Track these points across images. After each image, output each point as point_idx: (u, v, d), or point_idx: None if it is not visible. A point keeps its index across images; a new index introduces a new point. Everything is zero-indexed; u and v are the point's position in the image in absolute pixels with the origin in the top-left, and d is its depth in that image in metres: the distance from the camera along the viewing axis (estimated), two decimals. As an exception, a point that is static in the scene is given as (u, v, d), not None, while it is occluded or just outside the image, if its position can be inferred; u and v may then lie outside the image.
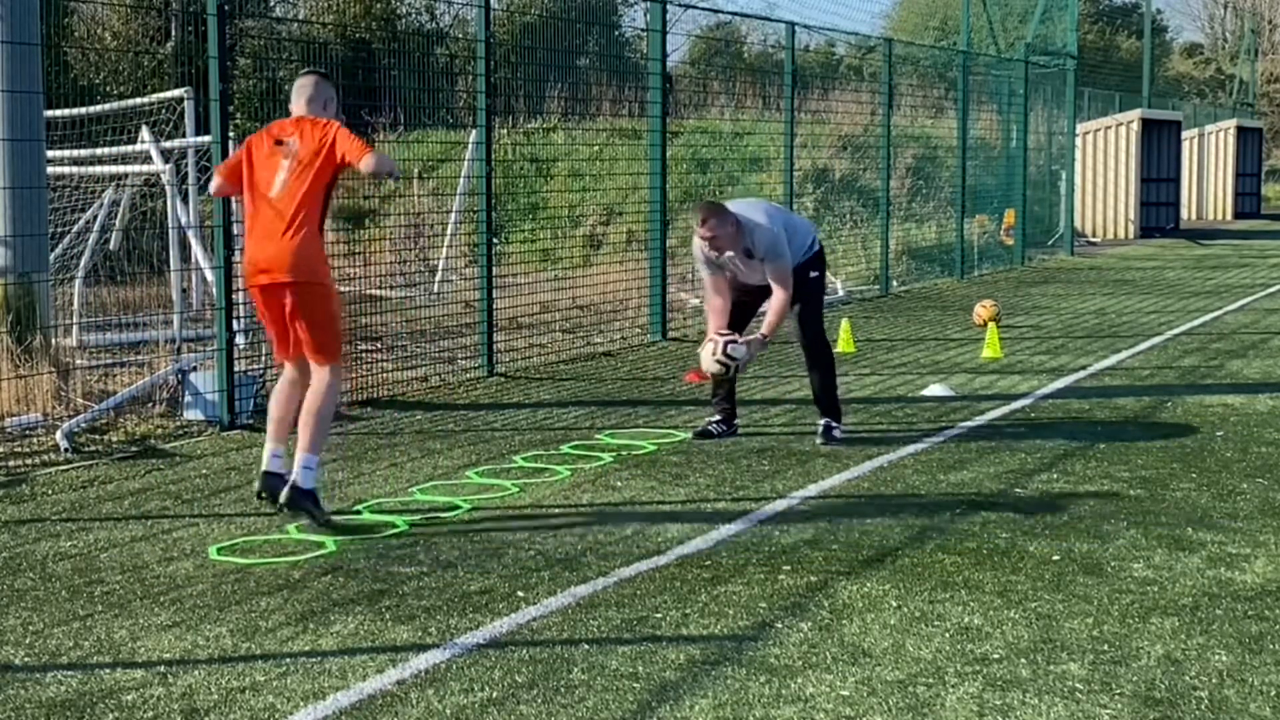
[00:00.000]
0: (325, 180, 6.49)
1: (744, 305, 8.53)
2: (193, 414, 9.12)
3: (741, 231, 8.11)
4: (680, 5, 16.47)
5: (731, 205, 8.33)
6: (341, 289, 13.76)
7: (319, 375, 6.59)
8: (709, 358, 8.17)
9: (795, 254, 8.27)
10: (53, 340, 9.70)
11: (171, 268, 13.22)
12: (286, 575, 5.86)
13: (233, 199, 8.61)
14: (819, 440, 8.52)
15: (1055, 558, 6.07)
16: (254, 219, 6.56)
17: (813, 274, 8.44)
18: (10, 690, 4.61)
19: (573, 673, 4.74)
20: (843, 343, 12.47)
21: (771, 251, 8.14)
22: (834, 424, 8.59)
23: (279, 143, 6.57)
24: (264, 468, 6.72)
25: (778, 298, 8.17)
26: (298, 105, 6.75)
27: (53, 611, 5.40)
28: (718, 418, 8.79)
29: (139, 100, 15.08)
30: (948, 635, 5.10)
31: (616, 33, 31.61)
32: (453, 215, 15.70)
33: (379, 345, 11.82)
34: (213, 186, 7.02)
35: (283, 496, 6.49)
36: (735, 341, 8.16)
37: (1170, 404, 9.88)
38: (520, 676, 4.71)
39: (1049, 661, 4.84)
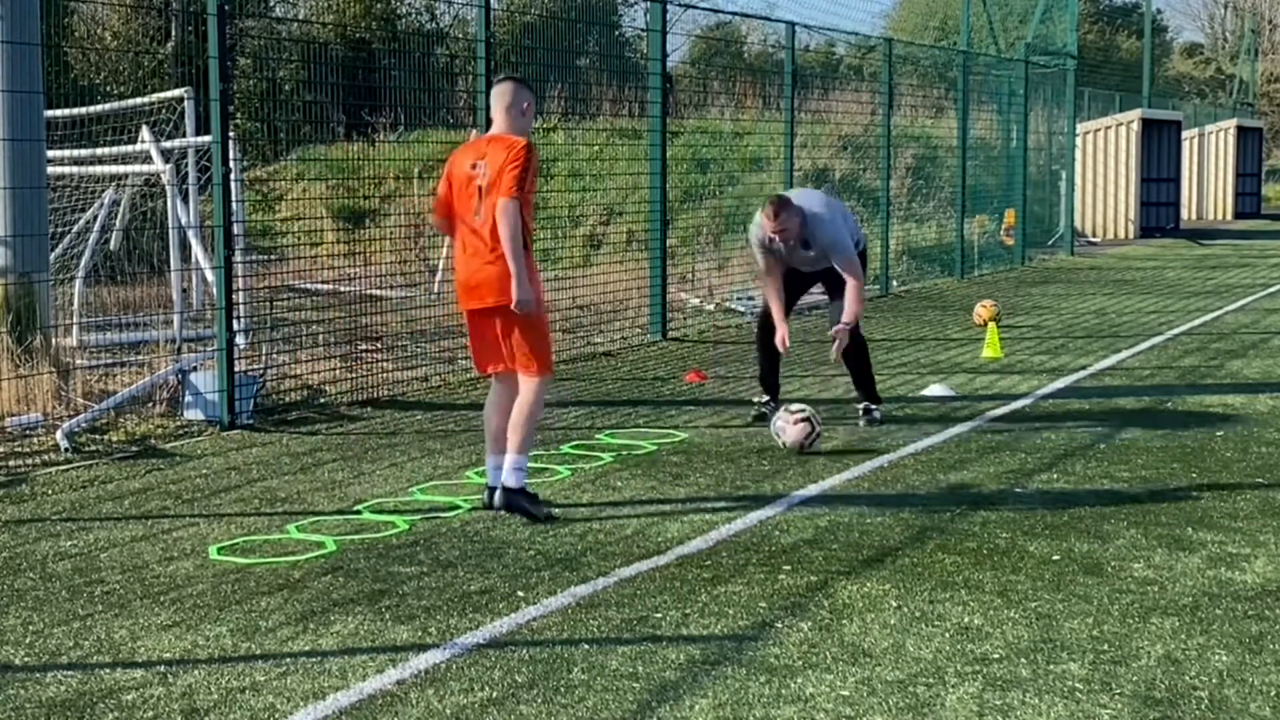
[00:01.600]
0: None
1: (793, 288, 9.08)
2: (193, 414, 9.12)
3: (804, 224, 8.64)
4: (680, 5, 16.47)
5: (793, 195, 8.87)
6: (341, 289, 13.80)
7: (528, 385, 6.72)
8: (796, 441, 8.19)
9: (845, 227, 8.82)
10: (53, 340, 9.70)
11: (171, 268, 13.21)
12: (286, 575, 5.86)
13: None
14: (862, 423, 9.06)
15: (1055, 558, 6.07)
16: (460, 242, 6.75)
17: None
18: (10, 690, 4.61)
19: (573, 673, 4.74)
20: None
21: (835, 245, 8.70)
22: (873, 407, 9.17)
23: (473, 166, 6.63)
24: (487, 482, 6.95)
25: (851, 285, 8.72)
26: (494, 115, 6.77)
27: (53, 611, 5.40)
28: (767, 398, 9.28)
29: (139, 100, 15.08)
30: (948, 635, 5.10)
31: (616, 33, 31.61)
32: (453, 215, 15.65)
33: (379, 345, 11.82)
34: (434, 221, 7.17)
35: (496, 499, 6.71)
36: (819, 432, 8.27)
37: (1170, 404, 9.88)
38: (520, 676, 4.71)
39: (1049, 661, 4.84)
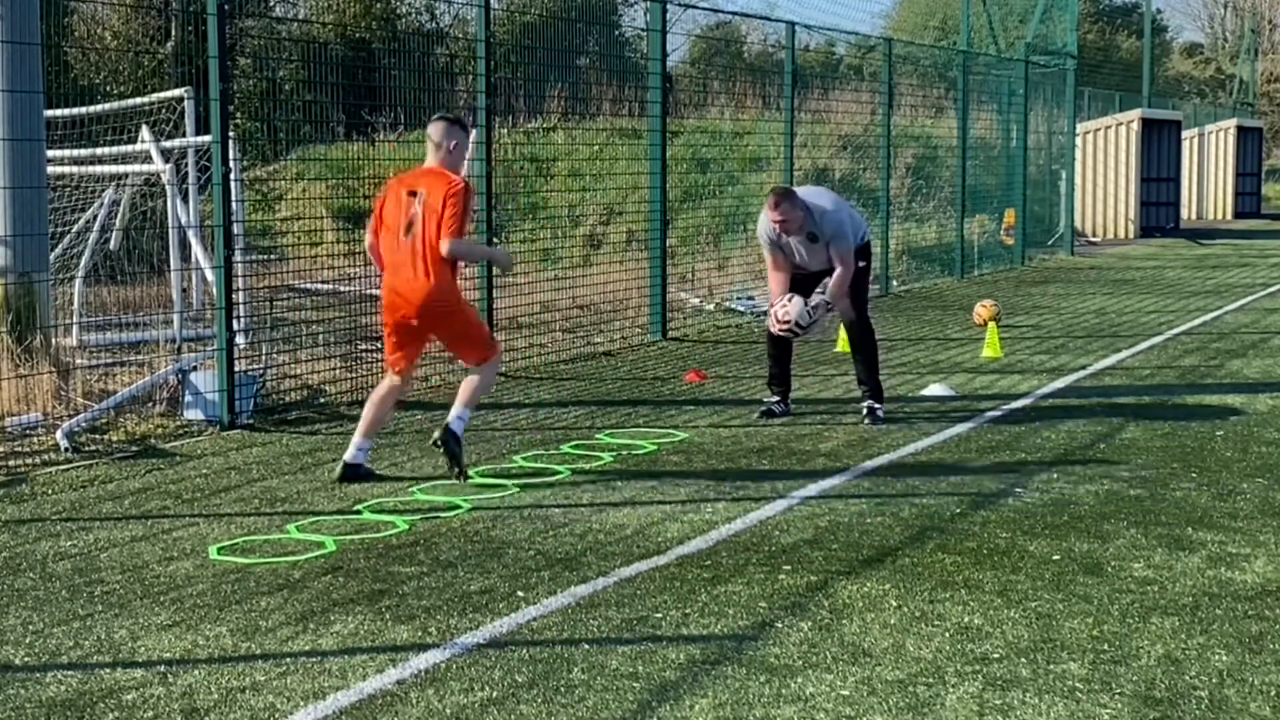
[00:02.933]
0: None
1: (799, 284, 9.13)
2: (193, 414, 9.12)
3: (809, 217, 8.81)
4: (680, 5, 16.47)
5: (800, 191, 9.08)
6: (341, 289, 13.80)
7: (481, 370, 7.59)
8: (778, 318, 8.91)
9: (850, 226, 9.00)
10: (53, 340, 9.70)
11: (171, 268, 13.21)
12: (286, 575, 5.86)
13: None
14: (865, 421, 9.15)
15: (1055, 558, 6.07)
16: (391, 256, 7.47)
17: (860, 264, 9.10)
18: (10, 690, 4.61)
19: (573, 673, 4.74)
20: (843, 343, 12.48)
21: (836, 234, 8.87)
22: (876, 406, 9.26)
23: (410, 194, 7.40)
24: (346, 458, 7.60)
25: (839, 271, 8.91)
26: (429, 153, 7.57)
27: (53, 611, 5.40)
28: (776, 398, 9.45)
29: (139, 100, 15.07)
30: (948, 635, 5.10)
31: (616, 33, 31.60)
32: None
33: (379, 345, 11.80)
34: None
35: (436, 436, 7.48)
36: (806, 314, 8.88)
37: (1170, 404, 9.88)
38: (520, 676, 4.71)
39: (1049, 661, 4.84)
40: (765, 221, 8.95)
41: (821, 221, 8.83)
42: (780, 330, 8.99)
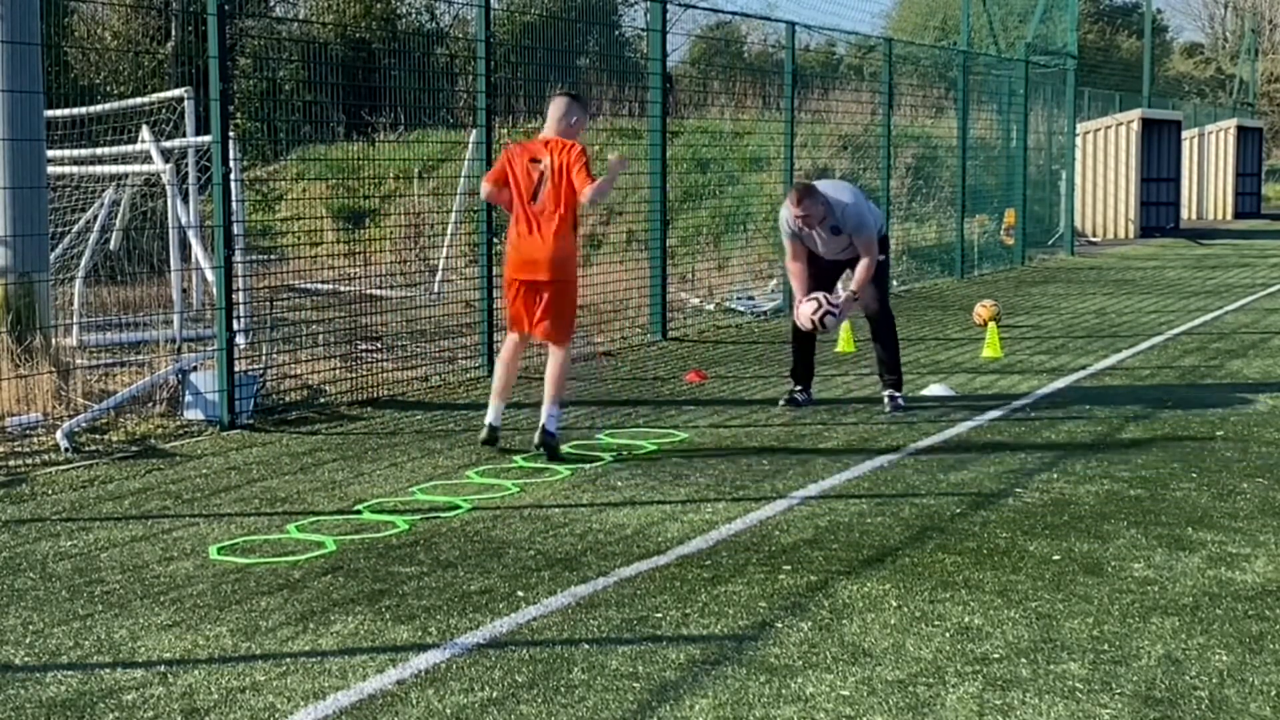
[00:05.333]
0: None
1: (819, 276, 9.48)
2: (193, 414, 9.12)
3: (830, 211, 9.13)
4: (680, 5, 16.47)
5: (820, 185, 9.40)
6: (341, 289, 13.80)
7: (555, 354, 8.11)
8: (807, 317, 9.28)
9: (871, 217, 9.32)
10: (53, 340, 9.70)
11: (171, 268, 13.21)
12: (286, 575, 5.87)
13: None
14: (887, 408, 9.51)
15: (1055, 558, 6.07)
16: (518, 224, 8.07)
17: (880, 256, 9.47)
18: (10, 690, 4.61)
19: (573, 673, 4.74)
20: (843, 342, 12.49)
21: (858, 225, 9.22)
22: (896, 393, 9.61)
23: (533, 160, 8.00)
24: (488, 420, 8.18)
25: (864, 261, 9.26)
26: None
27: (53, 611, 5.40)
28: (799, 386, 9.82)
29: (139, 100, 15.08)
30: (948, 635, 5.10)
31: (616, 33, 31.60)
32: (453, 215, 15.69)
33: (379, 345, 11.82)
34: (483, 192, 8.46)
35: (535, 439, 8.01)
36: (834, 309, 9.26)
37: (1170, 404, 9.88)
38: (520, 676, 4.71)
39: (1049, 661, 4.84)
40: (786, 214, 9.32)
41: (844, 215, 9.17)
42: (807, 328, 9.37)
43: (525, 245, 8.00)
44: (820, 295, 9.27)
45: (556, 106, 8.17)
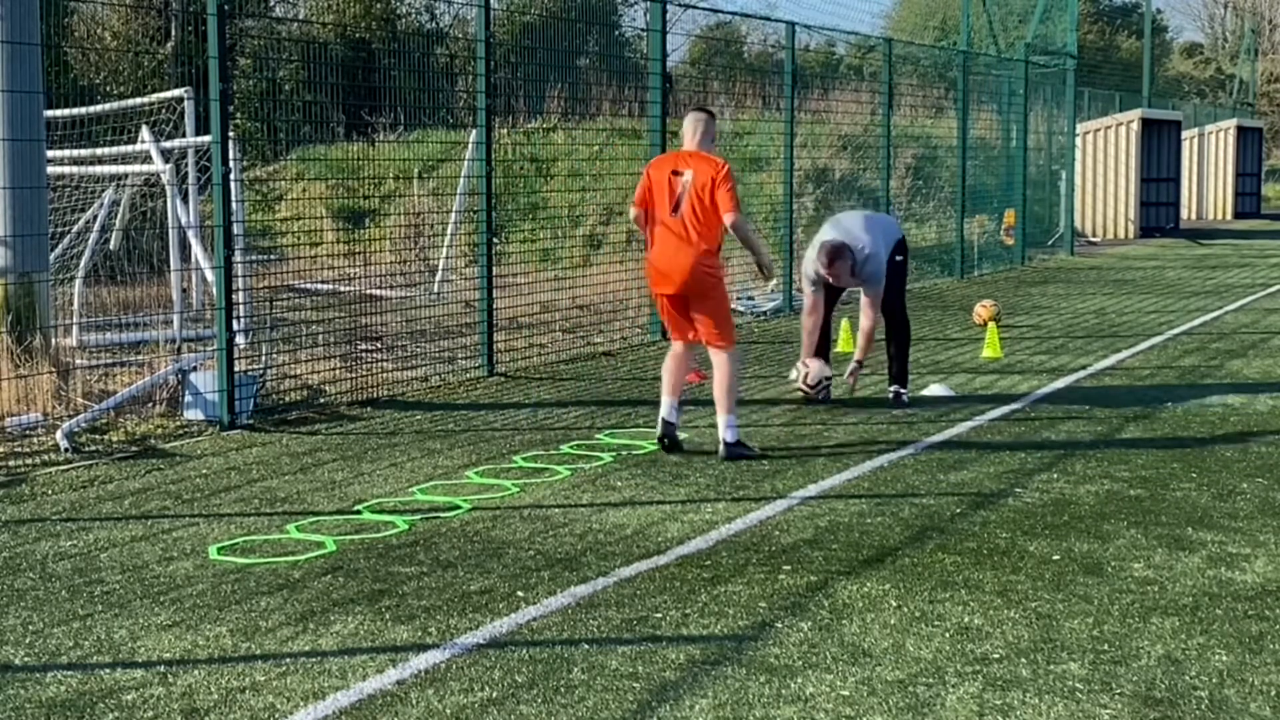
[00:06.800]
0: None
1: (831, 289, 9.96)
2: (193, 414, 9.12)
3: (854, 260, 9.56)
4: (680, 5, 16.47)
5: (840, 219, 9.95)
6: (341, 289, 13.80)
7: (719, 358, 8.19)
8: (802, 383, 9.88)
9: (885, 248, 9.68)
10: (53, 340, 9.70)
11: (171, 268, 13.22)
12: (286, 575, 5.87)
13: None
14: (892, 407, 9.75)
15: (1055, 558, 6.07)
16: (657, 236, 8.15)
17: (898, 258, 9.82)
18: (10, 690, 4.61)
19: (573, 673, 4.74)
20: (843, 342, 12.48)
21: (874, 277, 9.63)
22: (902, 390, 9.92)
23: (675, 173, 8.05)
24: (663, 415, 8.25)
25: (866, 321, 9.76)
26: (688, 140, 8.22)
27: (53, 611, 5.40)
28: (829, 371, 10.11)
29: (139, 100, 15.08)
30: (948, 635, 5.10)
31: (616, 33, 31.60)
32: (453, 215, 15.70)
33: (379, 345, 11.82)
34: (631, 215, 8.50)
35: (720, 451, 8.05)
36: (825, 390, 9.87)
37: (1170, 404, 9.88)
38: (520, 676, 4.71)
39: (1049, 661, 4.84)
40: (813, 266, 9.65)
41: (863, 265, 9.56)
42: (800, 394, 9.90)
43: (662, 258, 8.05)
44: (818, 373, 9.82)
45: (693, 120, 8.22)
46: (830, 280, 9.66)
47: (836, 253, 9.52)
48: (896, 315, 9.96)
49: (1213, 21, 72.71)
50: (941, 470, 7.79)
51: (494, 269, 11.58)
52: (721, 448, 8.05)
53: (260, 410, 9.32)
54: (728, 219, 7.92)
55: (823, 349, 10.04)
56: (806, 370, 9.86)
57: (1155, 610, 5.37)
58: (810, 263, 9.71)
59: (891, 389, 9.95)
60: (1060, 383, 10.85)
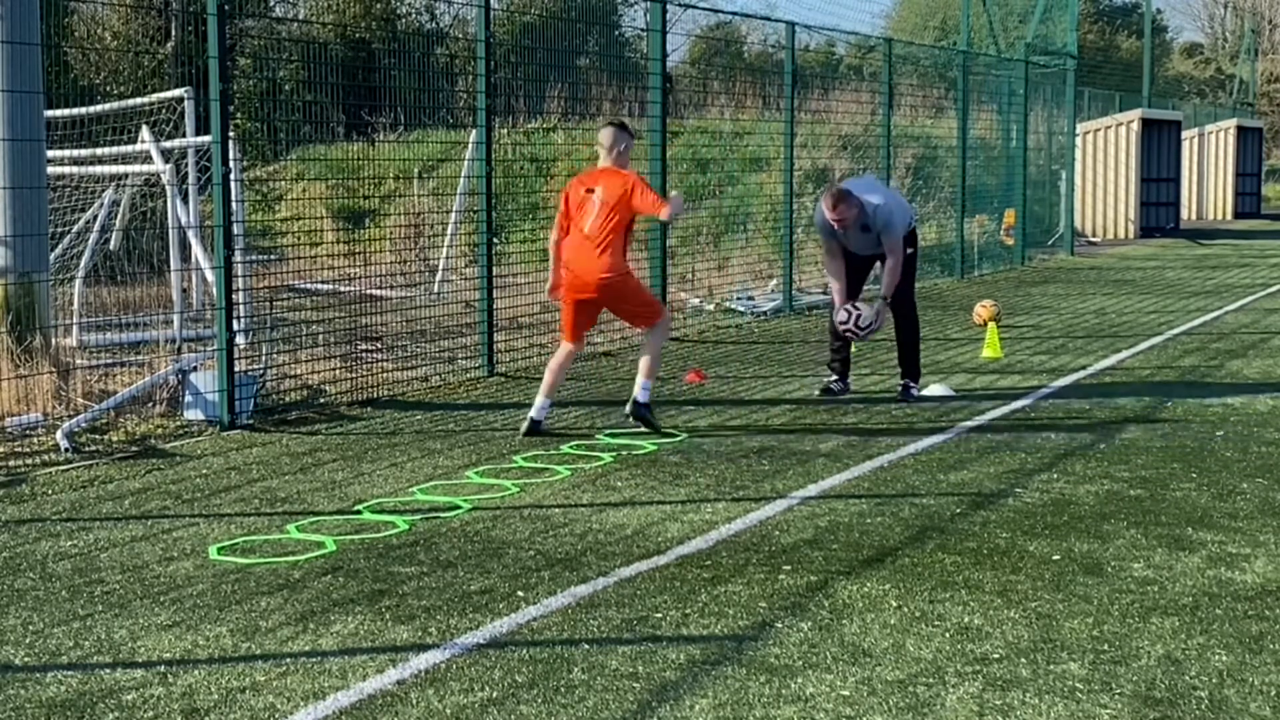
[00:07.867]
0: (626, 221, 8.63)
1: (852, 272, 9.96)
2: (193, 414, 9.12)
3: (862, 211, 9.54)
4: (680, 5, 16.47)
5: (850, 183, 10.02)
6: (341, 289, 13.80)
7: (652, 331, 8.81)
8: (840, 326, 9.81)
9: (900, 210, 9.77)
10: (53, 340, 9.70)
11: (171, 268, 13.22)
12: (286, 575, 5.87)
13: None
14: (900, 399, 9.93)
15: (1055, 558, 6.07)
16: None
17: (908, 250, 9.85)
18: (10, 690, 4.61)
19: (573, 673, 4.74)
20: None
21: (886, 225, 9.63)
22: (912, 384, 10.08)
23: (588, 191, 8.63)
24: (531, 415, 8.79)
25: (890, 263, 9.72)
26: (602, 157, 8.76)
27: (53, 611, 5.40)
28: (835, 376, 10.23)
29: (139, 100, 15.09)
30: (948, 635, 5.10)
31: (616, 33, 31.61)
32: (453, 215, 15.70)
33: (379, 345, 11.82)
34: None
35: (627, 409, 8.75)
36: (858, 331, 9.74)
37: (1170, 404, 9.88)
38: (520, 676, 4.71)
39: (1049, 661, 4.84)
40: (822, 216, 9.70)
41: (874, 216, 9.57)
42: (845, 333, 9.85)
43: (576, 265, 8.61)
44: (852, 311, 9.71)
45: (606, 136, 8.76)
46: (837, 227, 9.59)
47: (840, 196, 9.54)
48: (905, 308, 10.00)
49: (1213, 21, 72.74)
50: (941, 470, 7.79)
51: (494, 269, 11.58)
52: (630, 404, 8.71)
53: (260, 410, 9.32)
54: (663, 215, 8.62)
55: (854, 291, 10.03)
56: (857, 313, 9.72)
57: (1155, 610, 5.37)
58: (819, 211, 9.78)
59: (901, 383, 10.07)
60: (1060, 383, 10.85)
